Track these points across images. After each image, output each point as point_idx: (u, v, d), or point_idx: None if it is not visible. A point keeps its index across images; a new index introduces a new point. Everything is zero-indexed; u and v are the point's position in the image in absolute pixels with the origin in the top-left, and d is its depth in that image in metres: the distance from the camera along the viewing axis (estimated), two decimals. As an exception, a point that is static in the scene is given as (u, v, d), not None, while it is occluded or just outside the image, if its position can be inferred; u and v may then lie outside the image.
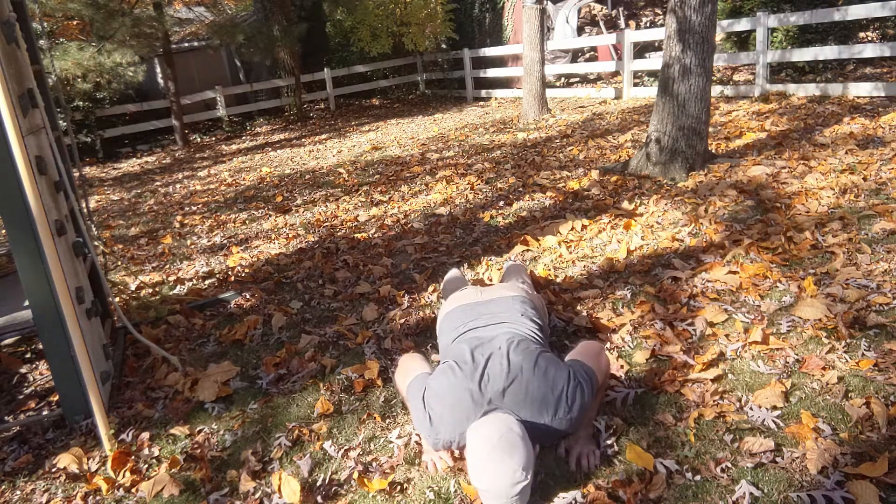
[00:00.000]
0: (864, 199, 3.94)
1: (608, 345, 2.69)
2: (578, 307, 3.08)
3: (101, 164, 11.96)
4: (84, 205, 3.14)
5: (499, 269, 3.70)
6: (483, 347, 2.06)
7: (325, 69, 14.57)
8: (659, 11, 13.46)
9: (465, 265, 3.91)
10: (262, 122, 14.74)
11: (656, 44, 11.24)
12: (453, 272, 3.28)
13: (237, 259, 4.66)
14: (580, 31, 12.68)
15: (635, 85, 10.27)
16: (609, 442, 2.07)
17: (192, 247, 5.31)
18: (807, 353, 2.42)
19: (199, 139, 13.64)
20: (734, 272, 3.17)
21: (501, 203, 5.19)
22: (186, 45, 14.60)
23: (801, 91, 7.69)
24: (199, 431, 2.49)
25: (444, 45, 14.99)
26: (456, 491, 1.96)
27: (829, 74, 8.56)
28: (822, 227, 3.59)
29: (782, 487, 1.81)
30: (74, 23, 12.89)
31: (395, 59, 15.45)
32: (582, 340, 2.73)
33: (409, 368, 2.16)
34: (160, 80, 14.07)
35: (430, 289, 3.57)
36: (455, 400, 1.91)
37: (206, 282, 4.28)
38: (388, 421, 2.39)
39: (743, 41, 9.31)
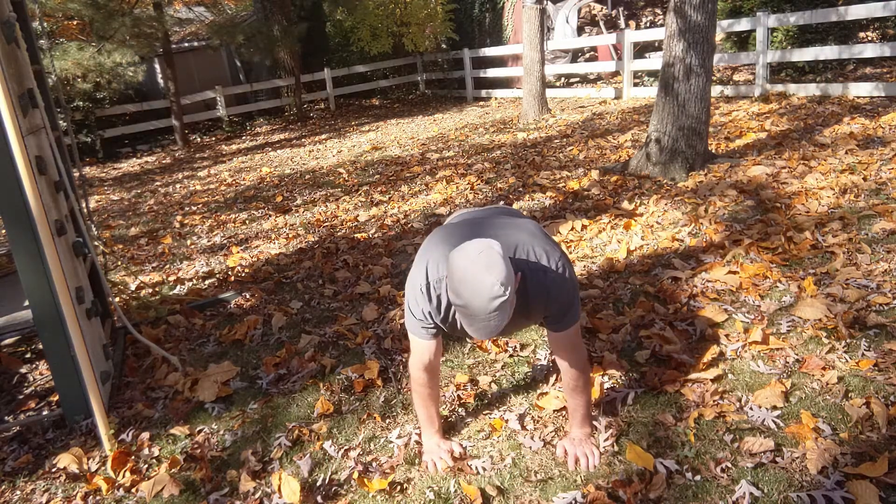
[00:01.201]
0: (864, 199, 3.94)
1: (608, 345, 2.69)
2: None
3: (101, 164, 11.96)
4: (84, 205, 3.14)
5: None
6: (474, 218, 2.07)
7: (325, 69, 14.57)
8: (659, 11, 13.46)
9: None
10: (262, 122, 14.74)
11: (656, 44, 11.24)
12: None
13: (237, 259, 4.66)
14: (580, 31, 12.68)
15: (635, 85, 10.27)
16: (609, 442, 2.07)
17: (192, 247, 5.31)
18: (807, 353, 2.42)
19: (199, 139, 13.64)
20: (734, 272, 3.17)
21: (501, 203, 5.19)
22: (186, 45, 14.60)
23: (802, 91, 7.69)
24: (199, 431, 2.49)
25: (444, 45, 14.99)
26: (456, 491, 1.96)
27: (830, 74, 8.56)
28: (822, 227, 3.59)
29: (782, 487, 1.81)
30: (74, 23, 12.89)
31: (395, 59, 15.46)
32: (588, 342, 2.73)
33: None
34: (160, 80, 14.07)
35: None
36: (438, 240, 1.92)
37: (206, 282, 4.28)
38: (388, 421, 2.39)
39: (743, 41, 9.31)
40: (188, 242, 5.47)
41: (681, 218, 4.14)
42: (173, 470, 2.24)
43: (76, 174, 3.21)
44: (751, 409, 2.14)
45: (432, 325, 1.92)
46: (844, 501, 1.73)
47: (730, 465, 1.91)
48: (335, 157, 9.02)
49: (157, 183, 9.10)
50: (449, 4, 14.26)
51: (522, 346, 2.78)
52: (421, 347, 1.98)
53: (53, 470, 2.33)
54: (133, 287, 4.31)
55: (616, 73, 11.69)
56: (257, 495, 2.06)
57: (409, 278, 1.95)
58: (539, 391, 2.41)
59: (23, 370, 3.20)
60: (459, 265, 1.64)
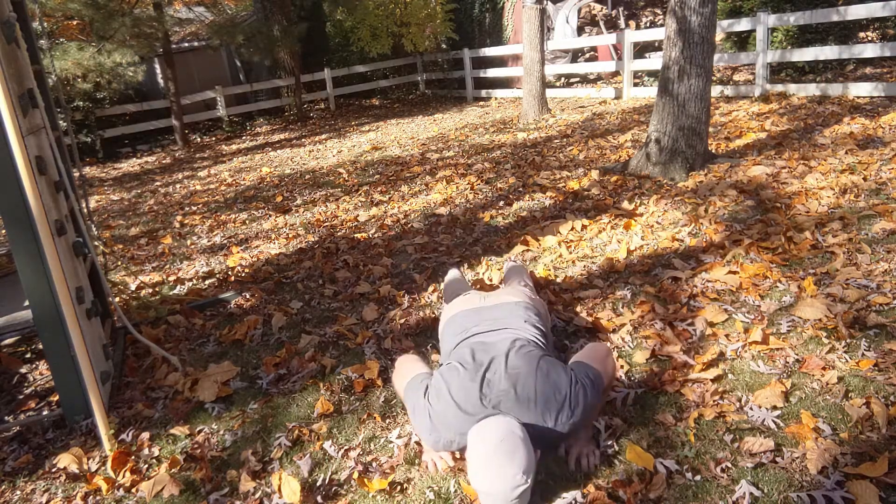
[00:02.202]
0: (864, 199, 3.94)
1: (608, 345, 2.69)
2: (578, 307, 3.08)
3: (101, 164, 11.95)
4: (84, 205, 3.14)
5: (499, 269, 3.70)
6: (486, 351, 2.06)
7: (325, 69, 14.57)
8: (659, 11, 13.46)
9: (465, 265, 3.91)
10: (262, 122, 14.74)
11: (656, 44, 11.24)
12: (453, 273, 3.28)
13: (237, 259, 4.66)
14: (580, 31, 12.68)
15: (635, 85, 10.27)
16: (609, 442, 2.07)
17: (192, 247, 5.31)
18: (807, 353, 2.42)
19: (199, 139, 13.64)
20: (734, 272, 3.17)
21: (501, 203, 5.19)
22: (186, 45, 14.60)
23: (802, 91, 7.69)
24: (199, 431, 2.49)
25: (444, 45, 14.99)
26: (456, 491, 1.96)
27: (830, 74, 8.56)
28: (822, 227, 3.59)
29: (782, 487, 1.81)
30: (74, 23, 12.88)
31: (395, 59, 15.45)
32: (588, 342, 2.74)
33: (407, 369, 2.16)
34: (160, 80, 14.07)
35: (431, 289, 3.57)
36: (458, 399, 1.91)
37: (206, 282, 4.28)
38: (388, 421, 2.39)
39: (743, 41, 9.31)
40: (188, 242, 5.47)
41: (681, 218, 4.14)
42: (173, 470, 2.24)
43: (76, 174, 3.21)
44: (751, 409, 2.14)
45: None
46: (844, 501, 1.73)
47: (730, 465, 1.91)
48: (335, 157, 9.02)
49: (157, 183, 9.10)
50: (449, 4, 14.26)
51: (522, 346, 2.78)
52: (414, 373, 2.11)
53: (53, 470, 2.33)
54: (133, 287, 4.31)
55: (616, 73, 11.69)
56: (257, 495, 2.06)
57: (420, 413, 1.96)
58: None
59: (23, 370, 3.20)
60: (481, 454, 1.70)
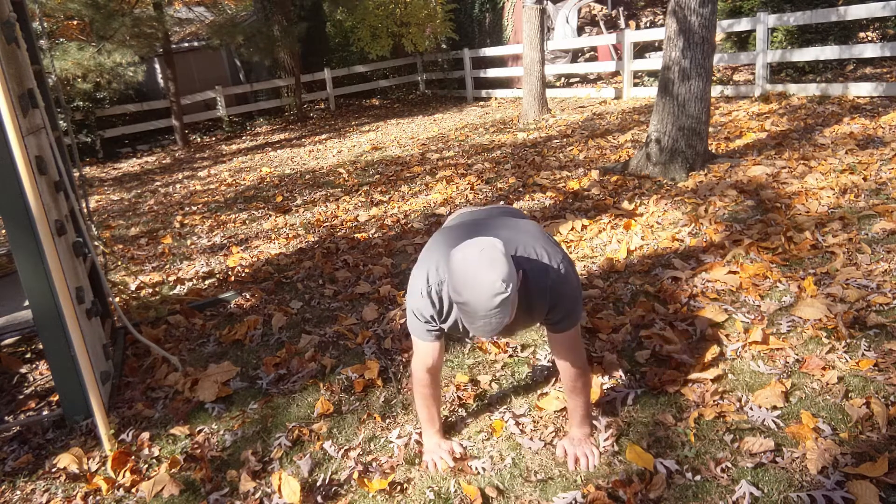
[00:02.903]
0: (864, 199, 3.94)
1: (608, 345, 2.69)
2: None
3: (101, 164, 11.96)
4: (84, 205, 3.14)
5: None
6: (475, 220, 2.08)
7: (325, 69, 14.57)
8: (659, 11, 13.46)
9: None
10: (262, 122, 14.74)
11: (656, 44, 11.24)
12: None
13: (237, 259, 4.66)
14: (580, 31, 12.68)
15: (635, 85, 10.27)
16: (609, 442, 2.07)
17: (192, 247, 5.31)
18: (807, 353, 2.42)
19: (199, 139, 13.64)
20: (734, 272, 3.17)
21: (501, 203, 5.19)
22: (186, 45, 14.60)
23: (802, 91, 7.69)
24: (199, 431, 2.49)
25: (444, 46, 14.99)
26: (456, 491, 1.96)
27: (830, 74, 8.56)
28: (822, 227, 3.59)
29: (782, 487, 1.81)
30: (74, 23, 12.89)
31: (395, 60, 15.46)
32: (588, 342, 2.73)
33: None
34: (160, 80, 14.07)
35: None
36: (440, 242, 1.92)
37: (206, 282, 4.28)
38: (388, 421, 2.39)
39: (743, 41, 9.31)
40: (188, 242, 5.47)
41: (681, 218, 4.14)
42: (173, 470, 2.24)
43: (76, 174, 3.21)
44: (751, 409, 2.14)
45: (435, 328, 1.92)
46: (844, 501, 1.73)
47: (730, 465, 1.91)
48: (335, 157, 9.02)
49: (157, 183, 9.10)
50: (449, 4, 14.26)
51: (523, 347, 2.78)
52: (424, 349, 1.98)
53: (53, 470, 2.33)
54: (133, 287, 4.31)
55: (616, 73, 11.69)
56: (257, 495, 2.06)
57: (410, 282, 1.95)
58: (539, 391, 2.41)
59: (23, 370, 3.20)
60: (461, 263, 1.63)
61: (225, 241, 5.30)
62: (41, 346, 2.91)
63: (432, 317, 1.88)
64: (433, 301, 1.86)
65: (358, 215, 5.47)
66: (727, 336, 2.63)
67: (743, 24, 8.36)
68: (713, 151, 5.59)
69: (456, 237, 1.91)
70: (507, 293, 1.58)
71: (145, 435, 2.47)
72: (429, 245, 2.01)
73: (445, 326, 1.93)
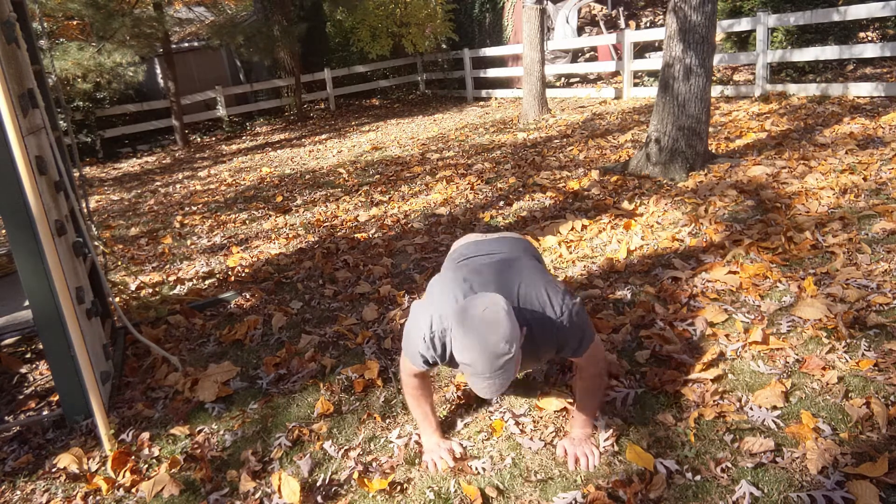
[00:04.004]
0: (864, 199, 3.94)
1: (608, 345, 2.69)
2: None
3: (101, 164, 11.96)
4: (84, 205, 3.14)
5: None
6: (479, 261, 2.08)
7: (325, 69, 14.57)
8: (659, 11, 13.46)
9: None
10: (262, 122, 14.74)
11: (656, 44, 11.24)
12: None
13: (237, 259, 4.66)
14: (580, 31, 12.68)
15: (635, 85, 10.26)
16: (609, 442, 2.07)
17: (192, 247, 5.31)
18: (807, 353, 2.42)
19: (199, 139, 13.64)
20: (734, 272, 3.17)
21: (501, 203, 5.19)
22: (186, 45, 14.60)
23: (802, 91, 7.69)
24: (199, 431, 2.49)
25: (444, 46, 14.99)
26: (456, 491, 1.96)
27: (830, 74, 8.56)
28: (823, 227, 3.59)
29: (782, 487, 1.81)
30: (74, 23, 12.89)
31: (395, 60, 15.46)
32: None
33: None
34: (160, 80, 14.07)
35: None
36: (446, 288, 1.91)
37: (206, 282, 4.28)
38: (388, 421, 2.39)
39: (743, 41, 9.31)
40: (188, 242, 5.47)
41: (681, 218, 4.14)
42: (173, 470, 2.24)
43: (76, 174, 3.21)
44: (751, 409, 2.14)
45: (430, 363, 1.94)
46: (844, 501, 1.73)
47: (730, 465, 1.91)
48: (335, 157, 9.02)
49: (157, 183, 9.10)
50: (449, 4, 14.26)
51: (522, 346, 2.78)
52: (412, 367, 2.01)
53: (53, 470, 2.33)
54: (133, 287, 4.31)
55: (616, 73, 11.69)
56: (257, 495, 2.06)
57: (412, 317, 1.95)
58: (539, 391, 2.41)
59: (23, 370, 3.20)
60: (464, 323, 1.64)
61: (225, 241, 5.30)
62: (41, 346, 2.91)
63: (431, 358, 1.91)
64: (434, 346, 1.88)
65: (358, 215, 5.47)
66: (727, 336, 2.63)
67: (743, 24, 8.36)
68: (713, 151, 5.59)
69: (462, 282, 1.91)
70: (510, 354, 1.60)
71: (145, 435, 2.47)
72: (434, 285, 2.00)
73: (445, 364, 1.95)
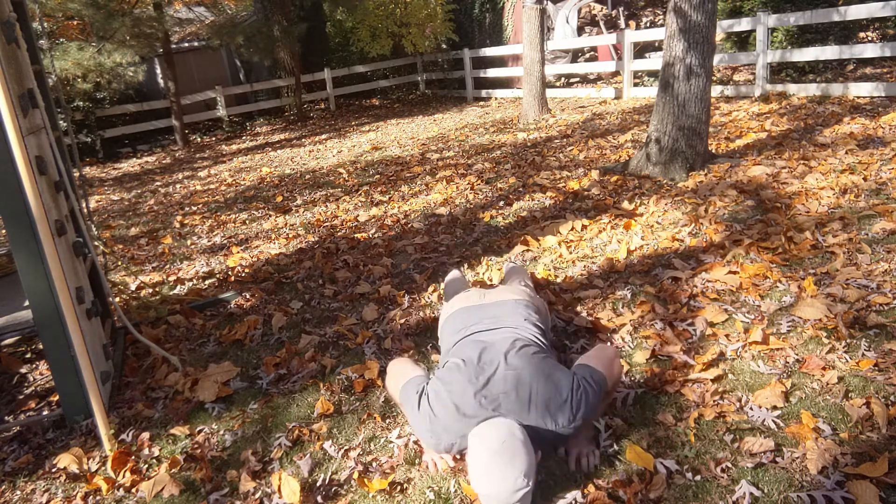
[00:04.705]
0: (864, 199, 3.94)
1: (616, 348, 2.68)
2: (578, 307, 3.08)
3: (101, 164, 11.96)
4: (84, 205, 3.14)
5: (499, 269, 3.70)
6: (486, 351, 2.06)
7: (325, 69, 14.57)
8: (659, 11, 13.46)
9: (466, 265, 3.91)
10: (262, 122, 14.74)
11: (656, 44, 11.24)
12: (454, 273, 3.27)
13: (237, 259, 4.66)
14: (580, 31, 12.68)
15: (635, 85, 10.27)
16: (609, 442, 2.07)
17: (193, 247, 5.31)
18: (807, 353, 2.42)
19: (199, 139, 13.64)
20: (734, 272, 3.17)
21: (501, 203, 5.19)
22: (186, 45, 14.60)
23: (802, 91, 7.69)
24: (200, 431, 2.49)
25: (444, 46, 15.00)
26: (456, 491, 1.96)
27: (830, 74, 8.56)
28: (823, 227, 3.59)
29: (782, 487, 1.81)
30: (74, 23, 12.89)
31: (395, 60, 15.46)
32: (588, 342, 2.74)
33: (400, 372, 2.15)
34: (160, 80, 14.08)
35: (431, 289, 3.57)
36: (457, 402, 1.90)
37: (206, 282, 4.28)
38: (388, 421, 2.39)
39: (743, 41, 9.31)
40: (188, 242, 5.47)
41: (681, 218, 4.13)
42: (173, 470, 2.24)
43: (76, 174, 3.21)
44: (751, 409, 2.14)
45: None
46: (844, 501, 1.73)
47: (730, 465, 1.91)
48: (335, 157, 9.02)
49: (158, 183, 9.10)
50: (449, 4, 14.26)
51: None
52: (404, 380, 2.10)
53: (53, 470, 2.33)
54: (133, 287, 4.31)
55: (616, 73, 11.69)
56: (257, 495, 2.06)
57: (418, 427, 1.97)
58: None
59: (23, 370, 3.20)
60: (482, 458, 1.70)
61: (225, 241, 5.30)
62: (41, 346, 2.91)
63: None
64: (443, 448, 1.96)
65: (358, 215, 5.47)
66: (727, 336, 2.63)
67: (743, 25, 8.36)
68: (713, 151, 5.59)
69: (472, 397, 1.89)
70: (528, 487, 1.67)
71: (145, 435, 2.47)
72: (442, 390, 1.96)
73: None
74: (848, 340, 2.45)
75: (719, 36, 9.30)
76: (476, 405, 1.87)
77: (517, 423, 1.81)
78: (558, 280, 3.47)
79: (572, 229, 4.20)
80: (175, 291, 4.16)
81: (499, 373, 1.94)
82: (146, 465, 2.31)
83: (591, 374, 1.96)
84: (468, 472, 1.77)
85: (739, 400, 2.20)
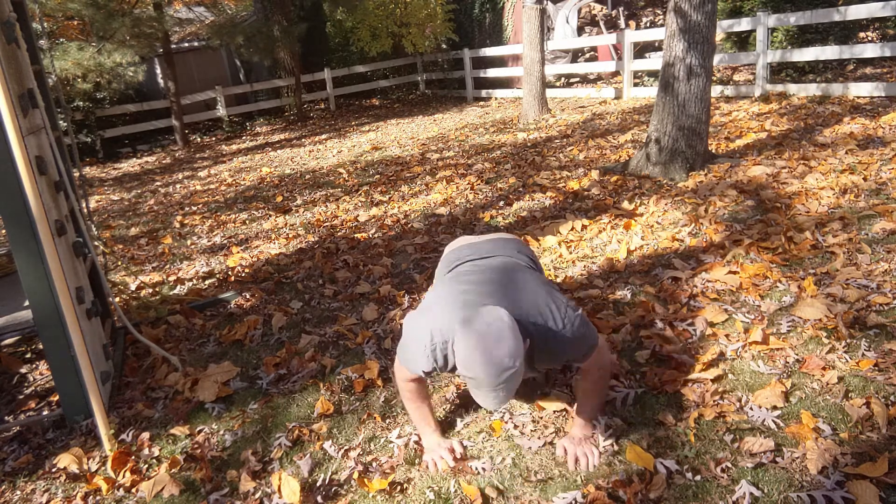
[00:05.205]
0: (864, 199, 3.94)
1: (608, 345, 2.69)
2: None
3: (101, 164, 11.96)
4: (84, 205, 3.14)
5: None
6: (476, 267, 2.09)
7: (325, 69, 14.57)
8: (659, 11, 13.46)
9: (465, 265, 3.91)
10: (262, 122, 14.74)
11: (656, 44, 11.24)
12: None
13: (237, 259, 4.66)
14: (580, 31, 12.68)
15: (635, 85, 10.26)
16: (609, 442, 2.07)
17: (192, 247, 5.31)
18: (807, 353, 2.42)
19: (199, 139, 13.64)
20: (734, 272, 3.17)
21: (501, 203, 5.19)
22: (186, 45, 14.60)
23: (802, 91, 7.69)
24: (199, 431, 2.49)
25: (444, 46, 15.00)
26: (456, 491, 1.96)
27: (830, 74, 8.56)
28: (823, 227, 3.59)
29: (782, 487, 1.81)
30: (74, 23, 12.89)
31: (395, 60, 15.46)
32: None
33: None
34: (160, 80, 14.08)
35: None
36: (446, 300, 1.92)
37: (206, 282, 4.28)
38: (388, 421, 2.39)
39: (743, 41, 9.31)
40: (188, 242, 5.47)
41: (681, 218, 4.13)
42: (173, 470, 2.24)
43: (76, 174, 3.21)
44: (751, 409, 2.14)
45: (430, 372, 1.95)
46: (844, 501, 1.73)
47: (730, 465, 1.91)
48: (335, 157, 9.02)
49: (158, 183, 9.10)
50: (449, 4, 14.26)
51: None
52: (408, 374, 2.02)
53: (53, 470, 2.33)
54: (133, 287, 4.31)
55: (616, 73, 11.69)
56: (257, 495, 2.06)
57: (410, 328, 1.95)
58: (539, 391, 2.41)
59: (23, 370, 3.20)
60: (469, 339, 1.66)
61: (225, 241, 5.30)
62: (41, 346, 2.91)
63: (432, 368, 1.91)
64: (436, 359, 1.88)
65: (358, 215, 5.47)
66: (727, 336, 2.63)
67: (743, 25, 8.36)
68: (713, 151, 5.59)
69: (461, 294, 1.91)
70: (514, 368, 1.62)
71: (145, 435, 2.47)
72: (432, 297, 2.00)
73: (444, 372, 1.96)
74: (848, 340, 2.45)
75: (719, 36, 9.30)
76: (464, 300, 1.87)
77: (505, 310, 1.75)
78: (558, 280, 3.47)
79: (572, 229, 4.20)
80: (175, 291, 4.16)
81: (488, 273, 1.97)
82: (146, 465, 2.31)
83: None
84: (457, 361, 1.69)
85: (739, 400, 2.20)
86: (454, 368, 1.88)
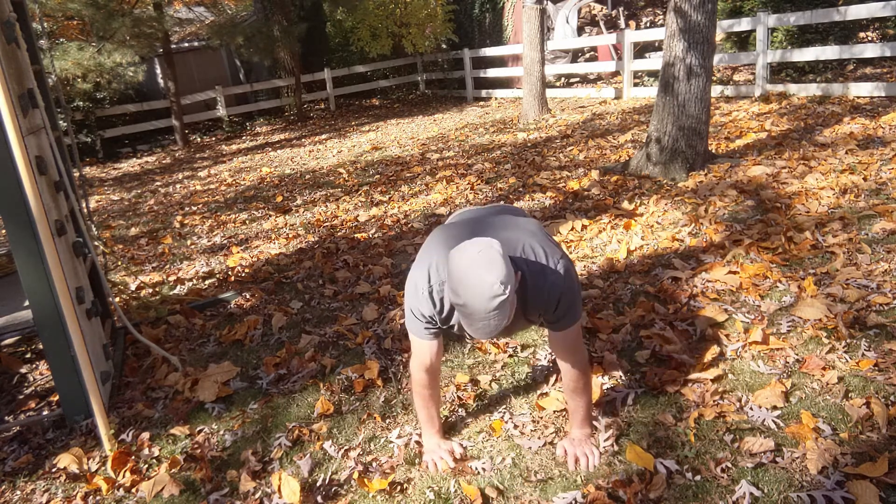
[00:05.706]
0: (864, 199, 3.94)
1: (608, 345, 2.69)
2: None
3: (101, 164, 11.96)
4: (84, 205, 3.14)
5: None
6: (471, 215, 2.11)
7: (325, 69, 14.57)
8: (659, 11, 13.46)
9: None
10: (262, 122, 14.74)
11: (656, 44, 11.23)
12: None
13: (237, 259, 4.66)
14: (580, 31, 12.68)
15: (635, 85, 10.26)
16: (609, 442, 2.07)
17: (192, 247, 5.31)
18: (807, 353, 2.42)
19: (199, 139, 13.64)
20: (734, 272, 3.17)
21: (502, 203, 5.19)
22: (186, 45, 14.60)
23: (802, 91, 7.69)
24: (200, 431, 2.49)
25: (444, 46, 15.00)
26: (456, 491, 1.96)
27: (830, 74, 8.55)
28: (823, 227, 3.59)
29: (782, 487, 1.81)
30: (74, 23, 12.89)
31: (396, 60, 15.46)
32: (588, 342, 2.73)
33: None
34: (160, 80, 14.07)
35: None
36: (439, 241, 1.93)
37: (206, 282, 4.28)
38: (388, 421, 2.39)
39: (743, 41, 9.31)
40: (188, 242, 5.47)
41: (681, 218, 4.13)
42: (173, 470, 2.24)
43: (76, 174, 3.21)
44: (751, 409, 2.14)
45: (434, 327, 1.92)
46: (844, 501, 1.73)
47: (730, 465, 1.91)
48: (335, 157, 9.02)
49: (158, 183, 9.10)
50: (449, 5, 14.26)
51: (523, 347, 2.78)
52: (422, 348, 1.98)
53: (53, 470, 2.33)
54: (133, 287, 4.31)
55: (616, 73, 11.69)
56: (257, 495, 2.06)
57: (409, 280, 1.95)
58: (539, 392, 2.41)
59: (23, 370, 3.20)
60: (459, 264, 1.63)
61: (225, 241, 5.30)
62: (41, 346, 2.91)
63: (432, 316, 1.88)
64: (434, 301, 1.86)
65: (358, 215, 5.47)
66: (727, 336, 2.63)
67: (743, 25, 8.36)
68: (713, 151, 5.59)
69: (455, 236, 1.91)
70: (505, 295, 1.59)
71: (145, 435, 2.47)
72: (428, 243, 2.01)
73: (446, 326, 1.92)
74: (848, 340, 2.45)
75: (719, 36, 9.30)
76: (455, 236, 1.88)
77: (497, 241, 1.73)
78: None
79: (572, 229, 4.20)
80: (175, 291, 4.16)
81: (482, 215, 2.01)
82: (146, 465, 2.31)
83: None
84: (446, 290, 1.67)
85: (739, 400, 2.20)
86: (452, 312, 1.86)
